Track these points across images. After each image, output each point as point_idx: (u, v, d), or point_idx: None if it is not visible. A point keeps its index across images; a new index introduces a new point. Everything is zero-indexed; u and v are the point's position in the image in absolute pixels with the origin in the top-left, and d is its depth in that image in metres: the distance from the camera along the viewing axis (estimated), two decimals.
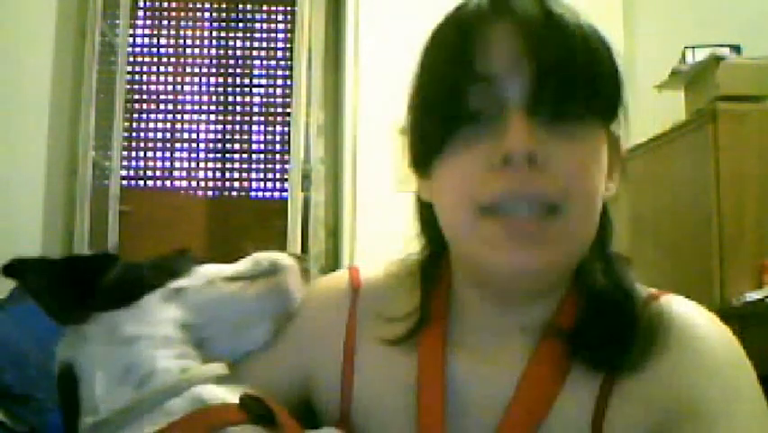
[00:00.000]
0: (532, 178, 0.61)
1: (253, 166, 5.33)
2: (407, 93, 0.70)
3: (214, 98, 5.37)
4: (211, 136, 5.36)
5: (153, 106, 5.28)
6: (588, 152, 0.64)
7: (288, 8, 5.05)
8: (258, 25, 5.38)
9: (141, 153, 5.21)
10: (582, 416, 0.64)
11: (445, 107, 0.64)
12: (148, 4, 5.27)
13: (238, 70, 5.37)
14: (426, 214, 0.72)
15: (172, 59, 5.34)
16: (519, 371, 0.67)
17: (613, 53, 0.66)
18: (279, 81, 5.35)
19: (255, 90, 5.38)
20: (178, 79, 5.34)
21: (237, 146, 5.36)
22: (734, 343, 0.66)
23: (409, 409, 0.68)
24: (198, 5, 5.34)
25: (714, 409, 0.60)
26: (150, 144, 5.24)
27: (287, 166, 4.53)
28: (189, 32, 5.35)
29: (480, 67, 0.63)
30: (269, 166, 5.31)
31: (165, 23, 5.33)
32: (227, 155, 5.34)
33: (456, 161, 0.64)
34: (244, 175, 5.33)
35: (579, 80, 0.62)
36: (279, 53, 5.36)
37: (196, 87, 5.36)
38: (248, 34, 5.36)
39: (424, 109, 0.67)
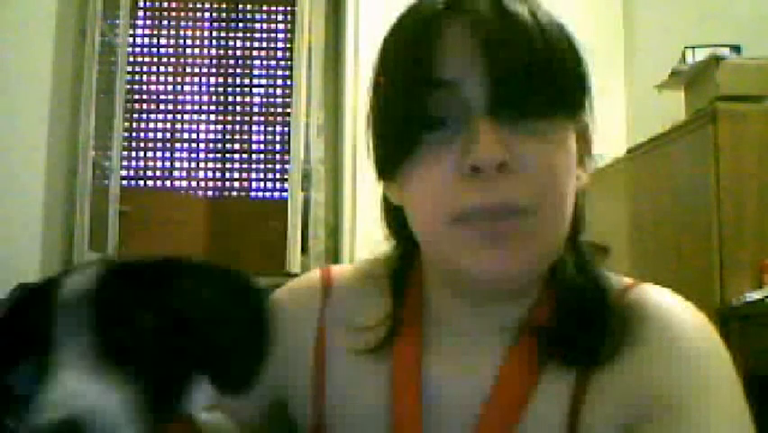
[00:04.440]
0: (501, 185, 0.60)
1: (253, 166, 5.33)
2: (369, 93, 0.69)
3: (214, 98, 5.37)
4: (211, 136, 5.35)
5: (153, 106, 5.28)
6: (556, 148, 0.63)
7: (288, 8, 5.05)
8: (258, 25, 5.37)
9: (141, 153, 5.21)
10: (558, 414, 0.63)
11: (408, 114, 0.63)
12: (148, 4, 5.27)
13: (238, 70, 5.37)
14: (395, 215, 0.71)
15: (172, 59, 5.34)
16: (495, 372, 0.66)
17: (576, 47, 0.65)
18: (279, 81, 5.34)
19: (255, 90, 5.38)
20: (178, 79, 5.34)
21: (237, 146, 5.36)
22: (708, 331, 0.65)
23: (385, 417, 0.67)
24: (198, 5, 5.34)
25: (688, 400, 0.59)
26: (150, 144, 5.24)
27: (287, 166, 4.53)
28: (189, 32, 5.35)
29: (440, 73, 0.61)
30: (269, 166, 5.31)
31: (165, 23, 5.33)
32: (227, 155, 5.33)
33: (424, 168, 0.63)
34: (244, 175, 5.33)
35: (540, 78, 0.61)
36: (279, 53, 5.36)
37: (196, 87, 5.36)
38: (248, 34, 5.36)
39: (386, 115, 0.66)
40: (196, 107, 5.36)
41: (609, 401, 0.62)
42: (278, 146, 5.29)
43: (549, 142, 0.62)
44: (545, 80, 0.61)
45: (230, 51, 5.38)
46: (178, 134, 5.30)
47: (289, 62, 4.99)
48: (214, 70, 5.38)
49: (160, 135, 5.27)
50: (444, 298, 0.70)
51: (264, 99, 5.37)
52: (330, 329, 0.73)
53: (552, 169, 0.62)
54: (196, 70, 5.37)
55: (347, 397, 0.70)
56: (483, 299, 0.67)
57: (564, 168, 0.63)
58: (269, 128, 5.34)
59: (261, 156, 5.33)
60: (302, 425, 0.73)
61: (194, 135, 5.33)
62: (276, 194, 5.20)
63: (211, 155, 5.33)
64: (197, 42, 5.37)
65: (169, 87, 5.33)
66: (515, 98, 0.60)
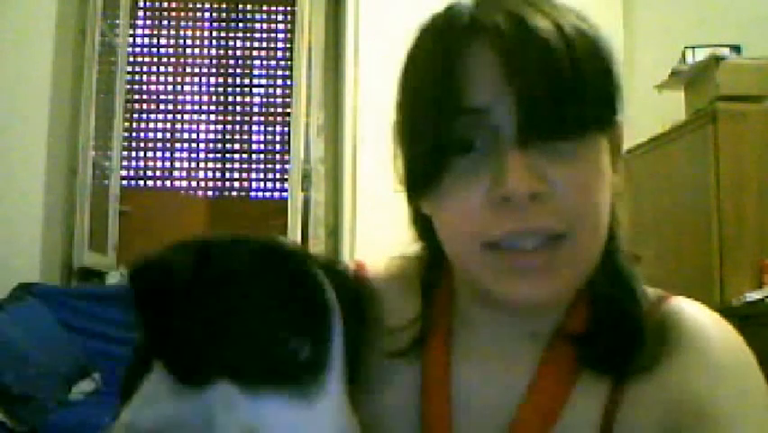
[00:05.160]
0: (534, 212, 0.58)
1: (253, 166, 5.33)
2: (393, 109, 0.66)
3: (214, 98, 5.38)
4: (211, 136, 5.36)
5: (153, 106, 5.28)
6: (589, 167, 0.61)
7: (288, 8, 5.05)
8: (258, 25, 5.38)
9: (141, 153, 5.21)
10: (592, 421, 0.63)
11: (437, 139, 0.61)
12: (148, 4, 5.27)
13: (238, 70, 5.37)
14: (423, 220, 0.69)
15: (172, 59, 5.34)
16: (527, 377, 0.66)
17: (605, 53, 0.62)
18: (279, 81, 5.35)
19: (255, 90, 5.38)
20: (178, 79, 5.34)
21: (237, 146, 5.36)
22: (742, 345, 0.66)
23: (415, 419, 0.68)
24: (198, 5, 5.34)
25: (723, 411, 0.60)
26: (150, 144, 5.24)
27: (287, 166, 4.53)
28: (189, 32, 5.35)
29: (467, 99, 0.59)
30: (269, 166, 5.31)
31: (165, 23, 5.33)
32: (227, 155, 5.34)
33: (454, 193, 0.61)
34: (244, 175, 5.33)
35: (568, 99, 0.58)
36: (279, 53, 5.36)
37: (196, 87, 5.36)
38: (248, 34, 5.36)
39: (413, 138, 0.64)
40: (196, 107, 5.37)
41: (643, 410, 0.62)
42: (278, 146, 5.30)
43: (582, 161, 0.60)
44: (574, 101, 0.58)
45: (230, 51, 5.38)
46: (178, 134, 5.31)
47: (289, 62, 4.99)
48: (214, 70, 5.38)
49: (160, 135, 5.28)
50: (474, 303, 0.69)
51: (264, 99, 5.37)
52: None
53: (586, 190, 0.60)
54: (196, 70, 5.37)
55: (378, 397, 0.70)
56: (516, 312, 0.67)
57: (598, 186, 0.61)
58: (269, 128, 5.35)
59: (261, 156, 5.33)
60: None
61: (194, 135, 5.33)
62: (276, 194, 5.20)
63: (211, 155, 5.34)
64: (197, 42, 5.37)
65: (169, 87, 5.33)
66: (543, 123, 0.58)
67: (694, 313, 0.67)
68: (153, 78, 5.32)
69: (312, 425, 0.53)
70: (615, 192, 0.66)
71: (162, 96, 5.30)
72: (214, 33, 5.38)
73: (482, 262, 0.62)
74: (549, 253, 0.60)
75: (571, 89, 0.58)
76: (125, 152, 4.67)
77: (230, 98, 5.38)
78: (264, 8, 5.35)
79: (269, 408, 0.53)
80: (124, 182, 4.51)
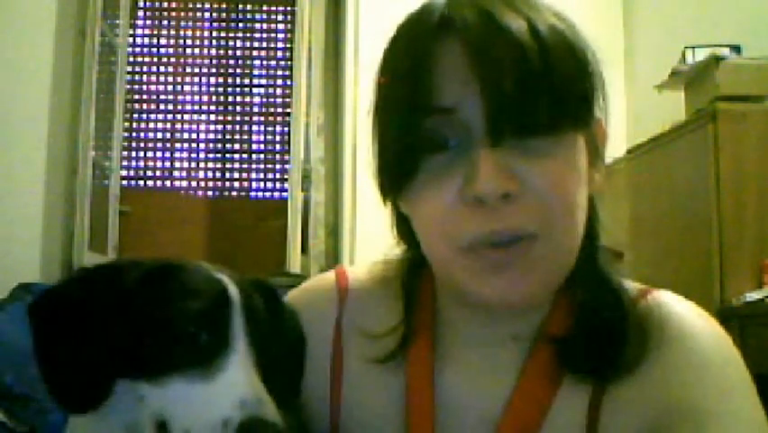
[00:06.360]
0: (507, 212, 0.58)
1: (253, 166, 5.33)
2: (371, 110, 0.66)
3: (214, 98, 5.37)
4: (211, 136, 5.35)
5: (153, 106, 5.28)
6: (563, 164, 0.60)
7: (288, 8, 5.05)
8: (258, 25, 5.37)
9: (141, 153, 5.21)
10: (577, 422, 0.63)
11: (408, 139, 0.60)
12: (148, 4, 5.27)
13: (238, 70, 5.37)
14: (404, 221, 0.69)
15: (172, 59, 5.34)
16: (511, 381, 0.65)
17: (581, 53, 0.61)
18: (279, 81, 5.34)
19: (255, 90, 5.38)
20: (178, 79, 5.34)
21: (237, 146, 5.36)
22: (724, 339, 0.65)
23: (399, 423, 0.67)
24: (198, 5, 5.34)
25: (708, 407, 0.59)
26: (150, 144, 5.24)
27: (287, 166, 4.53)
28: (189, 32, 5.35)
29: (437, 99, 0.59)
30: (269, 166, 5.31)
31: (165, 23, 5.33)
32: (227, 155, 5.34)
33: (427, 191, 0.61)
34: (244, 175, 5.33)
35: (538, 97, 0.57)
36: (279, 53, 5.36)
37: (196, 87, 5.36)
38: (248, 34, 5.36)
39: (386, 138, 0.64)
40: (196, 107, 5.36)
41: (628, 409, 0.62)
42: (278, 146, 5.29)
43: (555, 159, 0.60)
44: (545, 98, 0.58)
45: (230, 51, 5.38)
46: (178, 134, 5.31)
47: (289, 62, 4.99)
48: (214, 70, 5.38)
49: (160, 135, 5.27)
50: (455, 306, 0.69)
51: (264, 99, 5.37)
52: (346, 334, 0.73)
53: (559, 188, 0.60)
54: (196, 70, 5.37)
55: (362, 401, 0.70)
56: (496, 314, 0.67)
57: (573, 183, 0.61)
58: (269, 128, 5.34)
59: (261, 156, 5.33)
60: (317, 427, 0.73)
61: (194, 135, 5.33)
62: (276, 194, 5.20)
63: (211, 155, 5.33)
64: (197, 42, 5.37)
65: (169, 87, 5.33)
66: (514, 121, 0.58)
67: (674, 308, 0.66)
68: (153, 78, 5.32)
69: (209, 398, 0.58)
70: (595, 191, 0.66)
71: (162, 96, 5.30)
72: (215, 33, 5.38)
73: (458, 263, 0.61)
74: (522, 250, 0.59)
75: (541, 86, 0.57)
76: (125, 152, 4.67)
77: (230, 98, 5.38)
78: (264, 8, 5.35)
79: (173, 390, 0.60)
80: (124, 182, 4.51)
